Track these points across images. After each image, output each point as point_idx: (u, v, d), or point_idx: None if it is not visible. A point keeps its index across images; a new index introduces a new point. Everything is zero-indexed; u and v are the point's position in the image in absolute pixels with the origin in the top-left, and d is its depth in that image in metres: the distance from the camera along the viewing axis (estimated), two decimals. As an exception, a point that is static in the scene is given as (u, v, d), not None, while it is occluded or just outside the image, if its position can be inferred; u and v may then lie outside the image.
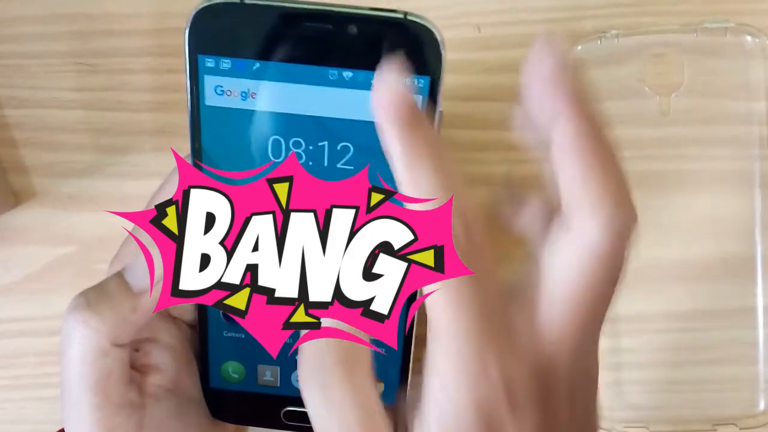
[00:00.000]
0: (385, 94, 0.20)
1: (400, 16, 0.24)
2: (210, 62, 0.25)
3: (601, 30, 0.32)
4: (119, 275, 0.26)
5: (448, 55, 0.32)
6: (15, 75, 0.34)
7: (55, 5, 0.33)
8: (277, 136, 0.25)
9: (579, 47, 0.32)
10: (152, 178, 0.33)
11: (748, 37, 0.32)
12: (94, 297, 0.25)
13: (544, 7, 0.33)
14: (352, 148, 0.26)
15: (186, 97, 0.25)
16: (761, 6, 0.33)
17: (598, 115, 0.20)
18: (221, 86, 0.25)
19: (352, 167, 0.26)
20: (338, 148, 0.25)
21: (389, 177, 0.21)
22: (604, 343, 0.33)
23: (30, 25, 0.34)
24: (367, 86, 0.24)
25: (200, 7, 0.24)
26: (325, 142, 0.25)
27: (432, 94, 0.25)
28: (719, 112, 0.33)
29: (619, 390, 0.33)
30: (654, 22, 0.33)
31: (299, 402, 0.29)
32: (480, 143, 0.33)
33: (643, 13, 0.33)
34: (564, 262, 0.21)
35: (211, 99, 0.25)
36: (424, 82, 0.24)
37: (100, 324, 0.24)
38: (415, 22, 0.24)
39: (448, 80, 0.33)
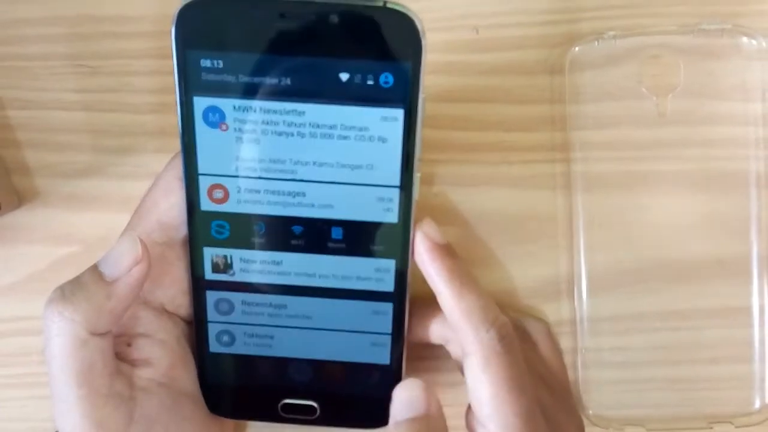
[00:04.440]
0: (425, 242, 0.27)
1: (380, 4, 0.24)
2: (196, 57, 0.25)
3: (598, 31, 0.33)
4: (93, 267, 0.26)
5: (447, 57, 0.33)
6: (18, 77, 0.34)
7: (58, 8, 0.34)
8: (265, 128, 0.26)
9: (576, 48, 0.32)
10: (154, 178, 0.33)
11: (745, 39, 0.32)
12: (69, 289, 0.25)
13: (542, 9, 0.33)
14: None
15: (176, 92, 0.25)
16: (758, 7, 0.33)
17: (459, 274, 0.27)
18: (209, 82, 0.25)
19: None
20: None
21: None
22: (601, 342, 0.33)
23: (32, 28, 0.34)
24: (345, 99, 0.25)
25: (185, 2, 0.24)
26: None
27: (414, 80, 0.25)
28: (716, 113, 0.33)
29: (616, 389, 0.33)
30: (651, 24, 0.33)
31: (297, 394, 0.29)
32: (478, 144, 0.33)
33: (640, 14, 0.33)
34: (476, 380, 0.27)
35: (200, 95, 0.26)
36: (405, 68, 0.25)
37: (75, 314, 0.25)
38: (394, 9, 0.24)
39: (447, 82, 0.33)
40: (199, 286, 0.28)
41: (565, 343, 0.34)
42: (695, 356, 0.33)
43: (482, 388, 0.26)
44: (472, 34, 0.33)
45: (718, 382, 0.33)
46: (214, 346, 0.29)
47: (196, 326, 0.29)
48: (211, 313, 0.29)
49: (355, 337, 0.28)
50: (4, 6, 0.34)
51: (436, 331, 0.30)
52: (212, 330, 0.29)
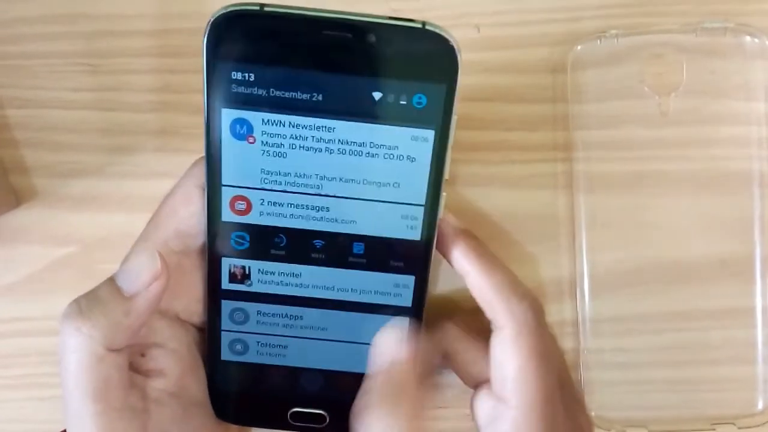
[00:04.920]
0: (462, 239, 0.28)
1: (419, 25, 0.24)
2: (228, 69, 0.25)
3: (600, 30, 0.32)
4: (111, 280, 0.26)
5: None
6: (17, 75, 0.34)
7: (57, 6, 0.33)
8: (293, 143, 0.26)
9: (579, 47, 0.32)
10: (154, 178, 0.33)
11: (748, 38, 0.32)
12: (85, 304, 0.25)
13: (544, 8, 0.33)
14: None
15: (203, 103, 0.25)
16: (761, 6, 0.33)
17: (486, 252, 0.28)
18: (239, 94, 0.25)
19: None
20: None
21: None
22: (603, 343, 0.33)
23: (32, 26, 0.34)
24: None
25: (219, 13, 0.24)
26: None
27: (448, 102, 0.25)
28: (718, 112, 0.33)
29: (618, 390, 0.33)
30: (653, 23, 0.33)
31: (307, 402, 0.29)
32: (479, 143, 0.33)
33: (642, 13, 0.33)
34: (505, 352, 0.27)
35: (228, 107, 0.25)
36: (440, 90, 0.25)
37: (93, 330, 0.24)
38: (433, 31, 0.24)
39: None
40: (214, 296, 0.28)
41: (567, 344, 0.34)
42: (698, 357, 0.33)
43: (511, 362, 0.26)
44: (474, 33, 0.33)
45: (720, 383, 0.33)
46: (226, 355, 0.29)
47: (209, 334, 0.28)
48: (226, 322, 0.28)
49: (369, 350, 0.28)
50: (2, 4, 0.34)
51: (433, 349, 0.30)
52: (225, 338, 0.29)
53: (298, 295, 0.28)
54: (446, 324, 0.30)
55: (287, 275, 0.27)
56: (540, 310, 0.27)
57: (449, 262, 0.28)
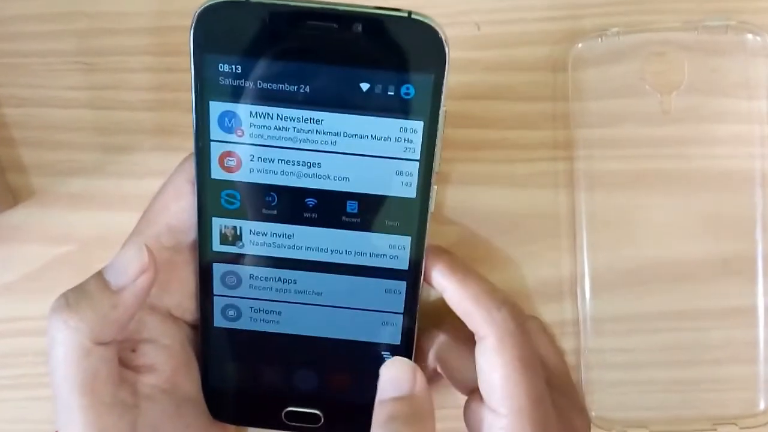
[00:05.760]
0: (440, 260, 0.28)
1: (405, 15, 0.24)
2: (214, 61, 0.25)
3: (601, 28, 0.32)
4: (99, 274, 0.26)
5: (448, 54, 0.33)
6: (14, 74, 0.34)
7: (54, 4, 0.33)
8: (281, 137, 0.26)
9: (579, 45, 0.32)
10: (151, 177, 0.33)
11: (749, 35, 0.32)
12: (73, 297, 0.25)
13: (545, 6, 0.33)
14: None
15: (191, 96, 0.25)
16: (762, 4, 0.33)
17: (459, 265, 0.28)
18: (227, 87, 0.25)
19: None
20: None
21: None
22: (603, 343, 0.33)
23: (29, 24, 0.33)
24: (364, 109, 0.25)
25: (204, 5, 0.24)
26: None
27: (436, 92, 0.25)
28: (720, 110, 0.33)
29: (619, 390, 0.33)
30: (655, 20, 0.33)
31: (301, 402, 0.29)
32: (478, 142, 0.33)
33: (644, 11, 0.33)
34: (489, 362, 0.27)
35: (216, 100, 0.25)
36: (427, 80, 0.24)
37: (80, 323, 0.24)
38: (419, 21, 0.24)
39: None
40: (206, 258, 0.28)
41: (567, 343, 0.34)
42: (699, 357, 0.33)
43: (496, 370, 0.26)
44: (474, 30, 0.33)
45: (722, 383, 0.33)
46: (219, 321, 0.28)
47: (201, 300, 0.28)
48: (218, 286, 0.28)
49: (365, 316, 0.28)
50: (0, 3, 0.33)
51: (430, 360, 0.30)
52: (218, 304, 0.28)
53: (291, 257, 0.27)
54: (435, 332, 0.30)
55: (279, 236, 0.27)
56: (520, 315, 0.28)
57: (425, 281, 0.28)
